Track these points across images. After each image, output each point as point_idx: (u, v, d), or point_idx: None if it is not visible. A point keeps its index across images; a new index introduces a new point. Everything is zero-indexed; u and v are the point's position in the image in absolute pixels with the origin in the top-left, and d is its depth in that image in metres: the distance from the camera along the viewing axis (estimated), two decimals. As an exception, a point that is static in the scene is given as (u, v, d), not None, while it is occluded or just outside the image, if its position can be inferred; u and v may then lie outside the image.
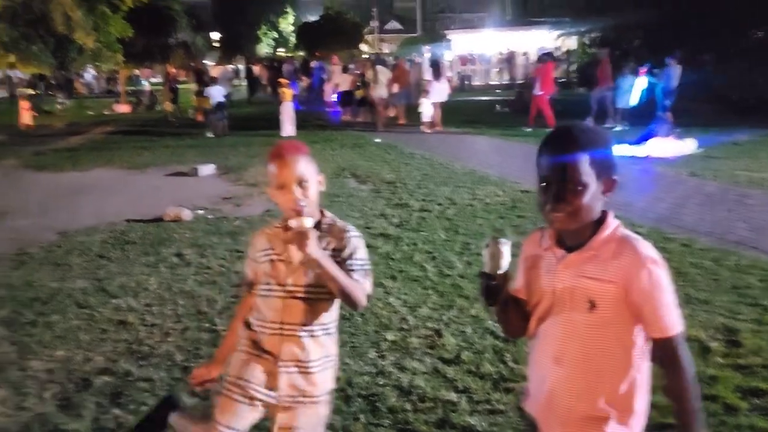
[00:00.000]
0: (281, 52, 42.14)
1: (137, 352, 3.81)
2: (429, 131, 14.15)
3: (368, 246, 5.68)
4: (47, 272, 5.33)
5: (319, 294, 1.94)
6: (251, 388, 1.99)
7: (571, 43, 23.78)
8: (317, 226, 1.94)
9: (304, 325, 1.95)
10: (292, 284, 1.94)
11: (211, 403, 2.20)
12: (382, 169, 9.53)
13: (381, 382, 3.37)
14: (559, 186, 1.49)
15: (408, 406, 3.12)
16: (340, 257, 1.93)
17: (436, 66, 16.05)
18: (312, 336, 1.97)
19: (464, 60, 31.32)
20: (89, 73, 37.62)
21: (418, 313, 4.25)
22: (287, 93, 14.91)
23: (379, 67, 16.53)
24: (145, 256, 5.65)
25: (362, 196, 7.93)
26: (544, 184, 1.53)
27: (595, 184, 1.50)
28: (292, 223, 1.83)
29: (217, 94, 15.52)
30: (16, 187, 9.57)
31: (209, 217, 7.07)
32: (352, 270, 1.93)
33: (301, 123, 14.77)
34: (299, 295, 1.94)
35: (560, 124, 1.73)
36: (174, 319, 4.26)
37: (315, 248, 1.80)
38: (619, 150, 8.54)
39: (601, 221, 1.55)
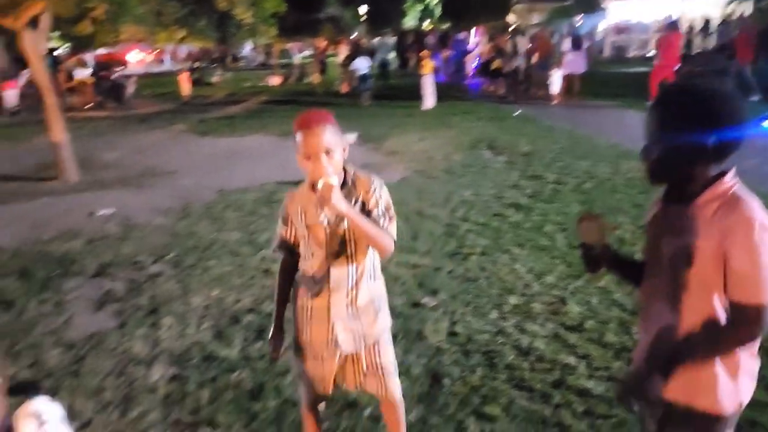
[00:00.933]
0: (426, 23, 42.24)
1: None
2: (555, 102, 13.83)
3: (499, 215, 5.76)
4: (206, 224, 6.00)
5: (357, 248, 2.09)
6: (317, 346, 2.18)
7: (746, 7, 21.45)
8: (342, 183, 2.03)
9: (348, 277, 2.11)
10: (331, 243, 2.08)
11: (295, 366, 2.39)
12: (518, 142, 9.40)
13: (500, 341, 3.48)
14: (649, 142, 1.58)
15: (525, 365, 3.21)
16: (367, 208, 2.04)
17: (576, 37, 15.39)
18: (357, 286, 2.13)
19: (619, 29, 29.44)
20: (247, 48, 40.34)
21: (544, 281, 4.27)
22: (428, 66, 15.06)
23: (518, 38, 16.18)
24: (290, 214, 6.14)
25: (497, 167, 7.92)
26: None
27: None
28: (319, 184, 1.90)
29: (362, 66, 16.03)
30: (183, 150, 10.65)
31: (349, 181, 7.47)
32: (378, 218, 2.04)
33: (442, 95, 14.86)
34: (339, 250, 2.08)
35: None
36: (312, 271, 4.64)
37: (340, 201, 1.89)
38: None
39: (714, 180, 1.54)
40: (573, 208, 5.88)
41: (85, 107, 17.21)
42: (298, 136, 2.00)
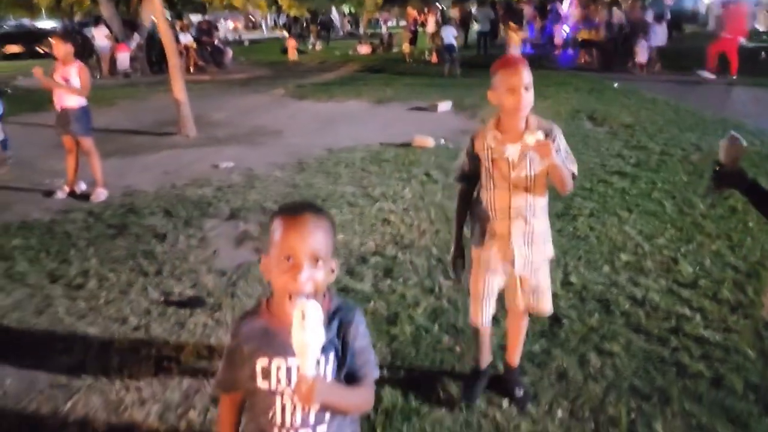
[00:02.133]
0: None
1: (400, 242, 4.59)
2: (641, 73, 14.07)
3: (603, 181, 5.91)
4: (322, 178, 6.44)
5: (536, 181, 2.36)
6: (493, 267, 2.49)
7: None
8: (527, 125, 2.28)
9: (527, 207, 2.39)
10: (515, 176, 2.35)
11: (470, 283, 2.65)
12: (620, 113, 9.33)
13: (614, 291, 3.70)
14: None
15: (641, 313, 3.43)
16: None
17: (658, 10, 15.06)
18: (534, 215, 2.41)
19: (725, 3, 27.84)
20: (336, 17, 40.86)
21: (654, 242, 4.42)
22: (515, 37, 15.01)
23: (613, 9, 15.88)
24: (399, 173, 6.49)
25: (598, 137, 7.94)
26: None
27: None
28: (529, 139, 2.15)
29: (448, 35, 16.10)
30: (285, 113, 11.19)
31: (450, 146, 7.72)
32: (563, 159, 2.30)
33: (534, 66, 14.74)
34: (521, 184, 2.36)
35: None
36: (428, 222, 4.97)
37: (555, 155, 2.19)
38: None
39: None
40: (681, 177, 5.92)
41: (190, 71, 18.17)
42: (499, 74, 2.26)
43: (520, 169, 2.34)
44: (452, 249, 2.63)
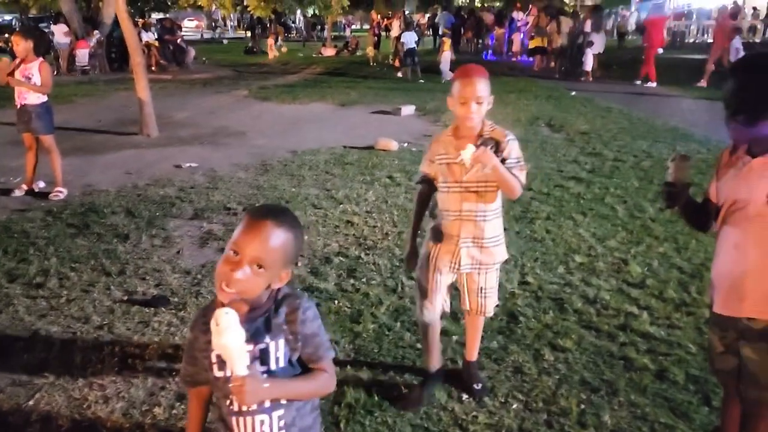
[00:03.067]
0: (478, 2, 41.85)
1: (363, 244, 4.68)
2: (590, 80, 15.31)
3: (560, 186, 6.14)
4: (286, 180, 6.48)
5: (487, 187, 2.47)
6: (442, 265, 2.60)
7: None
8: (481, 132, 2.42)
9: (477, 211, 2.51)
10: (466, 181, 2.47)
11: (418, 278, 2.76)
12: (576, 120, 9.64)
13: (568, 291, 3.87)
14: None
15: (592, 311, 3.60)
16: (501, 156, 2.40)
17: (596, 19, 16.61)
18: (484, 219, 2.53)
19: (678, 15, 28.94)
20: (298, 19, 40.78)
21: (606, 245, 4.63)
22: (447, 43, 16.29)
23: (562, 18, 16.73)
24: (362, 176, 6.58)
25: (555, 143, 8.20)
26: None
27: None
28: (465, 156, 2.30)
29: (409, 40, 16.43)
30: (249, 114, 11.16)
31: (412, 149, 7.86)
32: (511, 166, 2.42)
33: (496, 73, 15.05)
34: (472, 188, 2.48)
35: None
36: (390, 224, 5.08)
37: (494, 160, 2.33)
38: None
39: None
40: (633, 183, 6.18)
41: (152, 69, 17.90)
42: (457, 83, 2.38)
43: (471, 174, 2.45)
44: (407, 247, 2.74)
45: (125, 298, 3.80)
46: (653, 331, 3.36)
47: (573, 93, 12.71)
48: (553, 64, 17.41)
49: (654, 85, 13.93)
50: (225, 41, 33.04)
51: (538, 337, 3.31)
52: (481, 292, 2.66)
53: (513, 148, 2.45)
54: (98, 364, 3.08)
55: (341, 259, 4.39)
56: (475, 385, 2.84)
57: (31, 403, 2.78)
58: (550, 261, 4.34)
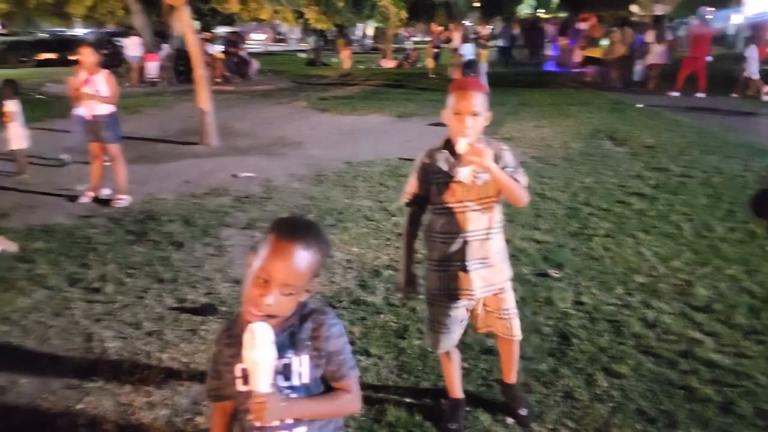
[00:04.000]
0: (541, 13, 41.31)
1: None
2: (648, 90, 15.03)
3: (621, 202, 5.88)
4: (340, 191, 6.49)
5: (489, 203, 2.35)
6: (453, 294, 2.44)
7: None
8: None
9: (481, 229, 2.36)
10: (469, 199, 2.33)
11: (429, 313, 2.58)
12: (641, 134, 9.28)
13: (626, 313, 3.67)
14: None
15: (651, 335, 3.40)
16: (500, 165, 2.25)
17: (659, 31, 16.36)
18: (488, 236, 2.39)
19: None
20: (359, 31, 41.24)
21: (670, 265, 4.38)
22: (483, 54, 16.38)
23: (625, 28, 16.46)
24: (415, 188, 6.51)
25: (617, 157, 7.90)
26: None
27: None
28: (460, 145, 2.16)
29: (468, 52, 16.35)
30: (307, 124, 11.30)
31: (468, 162, 7.73)
32: (512, 173, 2.29)
33: (559, 84, 14.77)
34: (475, 207, 2.34)
35: None
36: (442, 238, 4.99)
37: (491, 161, 2.17)
38: None
39: None
40: (700, 200, 5.87)
41: (216, 81, 18.45)
42: (453, 96, 2.28)
43: (473, 191, 2.33)
44: (403, 275, 2.55)
45: (176, 305, 3.86)
46: (718, 359, 3.14)
47: (639, 105, 12.27)
48: (614, 74, 16.96)
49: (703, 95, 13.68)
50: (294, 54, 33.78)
51: (591, 361, 3.15)
52: (504, 313, 2.52)
53: (508, 157, 2.32)
54: (146, 370, 3.13)
55: (391, 272, 4.33)
56: (520, 411, 2.71)
57: (80, 406, 2.84)
58: (607, 280, 4.14)
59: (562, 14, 37.06)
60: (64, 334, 3.52)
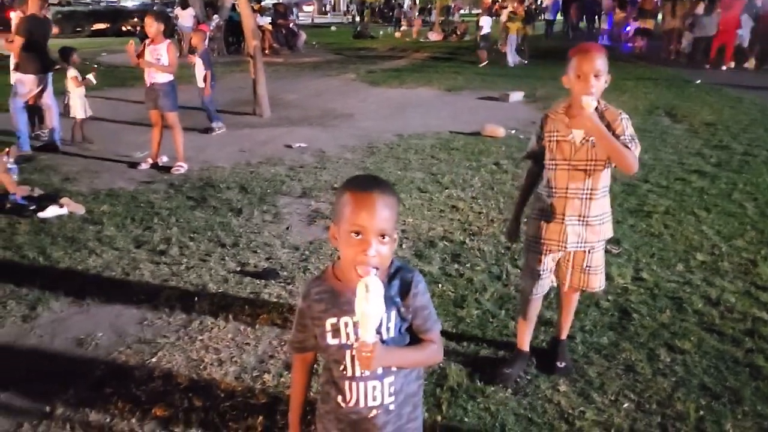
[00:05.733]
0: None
1: (468, 229, 4.62)
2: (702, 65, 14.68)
3: (681, 179, 5.75)
4: (392, 163, 6.52)
5: (595, 165, 2.43)
6: (546, 243, 2.58)
7: None
8: (595, 109, 2.33)
9: (584, 189, 2.47)
10: (575, 159, 2.44)
11: (526, 257, 2.76)
12: (701, 110, 9.00)
13: (687, 290, 3.63)
14: None
15: (715, 313, 3.35)
16: (615, 133, 2.32)
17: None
18: (590, 197, 2.49)
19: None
20: (406, 3, 40.77)
21: (732, 244, 4.29)
22: (513, 27, 16.29)
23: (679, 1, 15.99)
24: (468, 161, 6.50)
25: (676, 134, 7.70)
26: None
27: None
28: (583, 99, 2.26)
29: (486, 24, 16.20)
30: (356, 97, 11.32)
31: (520, 137, 7.65)
32: (626, 142, 2.32)
33: (614, 59, 14.34)
34: (581, 167, 2.44)
35: None
36: (496, 211, 4.99)
37: (594, 116, 2.28)
38: None
39: None
40: (764, 179, 5.69)
41: (265, 52, 18.57)
42: (573, 60, 2.34)
43: (581, 152, 2.43)
44: (511, 222, 2.80)
45: (238, 269, 3.98)
46: (786, 339, 3.08)
47: (698, 81, 11.85)
48: (666, 47, 16.68)
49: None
50: (333, 27, 33.65)
51: (653, 336, 3.13)
52: (587, 269, 2.64)
53: (626, 126, 2.38)
54: (214, 328, 3.25)
55: (445, 243, 4.36)
56: (558, 363, 2.83)
57: (154, 360, 2.98)
58: (668, 258, 4.08)
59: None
60: (134, 292, 3.68)
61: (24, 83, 6.76)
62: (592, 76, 2.29)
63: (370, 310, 1.36)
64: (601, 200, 2.52)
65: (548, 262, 2.64)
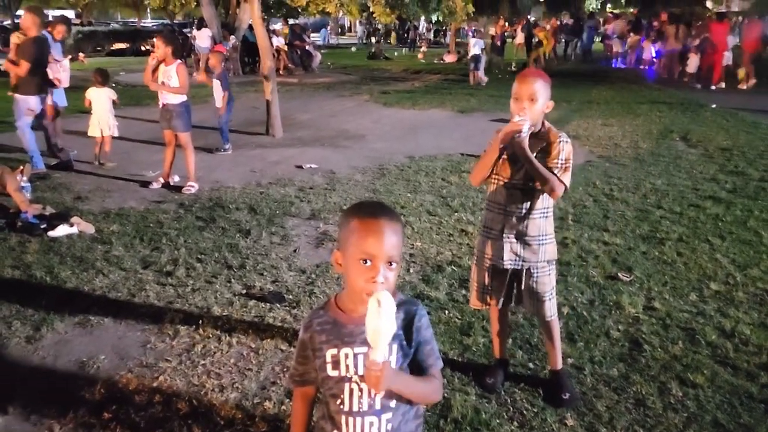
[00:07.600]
0: (609, 8, 40.09)
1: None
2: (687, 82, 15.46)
3: (695, 206, 5.66)
4: (402, 185, 6.50)
5: (531, 186, 2.51)
6: (486, 257, 2.69)
7: None
8: (537, 132, 2.50)
9: (522, 207, 2.57)
10: (513, 177, 2.54)
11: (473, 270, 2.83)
12: (716, 135, 8.90)
13: (701, 321, 3.54)
14: None
15: (729, 345, 3.26)
16: (548, 156, 2.47)
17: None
18: (528, 216, 2.57)
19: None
20: (420, 26, 41.08)
21: (748, 273, 4.20)
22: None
23: (681, 26, 16.32)
24: (479, 184, 6.45)
25: (691, 159, 7.60)
26: None
27: None
28: (516, 118, 2.41)
29: (475, 46, 16.51)
30: (369, 118, 11.35)
31: (532, 159, 7.59)
32: (555, 167, 2.46)
33: (626, 81, 14.31)
34: (518, 185, 2.54)
35: None
36: (506, 236, 4.93)
37: (524, 139, 2.41)
38: None
39: None
40: (781, 206, 5.58)
41: (279, 72, 18.75)
42: (515, 84, 2.52)
43: (521, 172, 2.51)
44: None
45: (244, 291, 3.95)
46: (803, 375, 2.99)
47: (713, 105, 11.76)
48: (669, 67, 17.11)
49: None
50: (353, 48, 33.94)
51: (664, 369, 3.05)
52: (536, 296, 2.65)
53: (562, 149, 2.48)
54: (216, 353, 3.21)
55: (453, 268, 4.31)
56: (562, 395, 2.77)
57: (155, 384, 2.95)
58: (681, 287, 4.00)
59: (631, 9, 35.90)
60: (139, 314, 3.66)
61: (29, 103, 6.66)
62: (525, 99, 2.44)
63: (382, 326, 1.34)
64: (538, 220, 2.59)
65: (490, 273, 2.70)
